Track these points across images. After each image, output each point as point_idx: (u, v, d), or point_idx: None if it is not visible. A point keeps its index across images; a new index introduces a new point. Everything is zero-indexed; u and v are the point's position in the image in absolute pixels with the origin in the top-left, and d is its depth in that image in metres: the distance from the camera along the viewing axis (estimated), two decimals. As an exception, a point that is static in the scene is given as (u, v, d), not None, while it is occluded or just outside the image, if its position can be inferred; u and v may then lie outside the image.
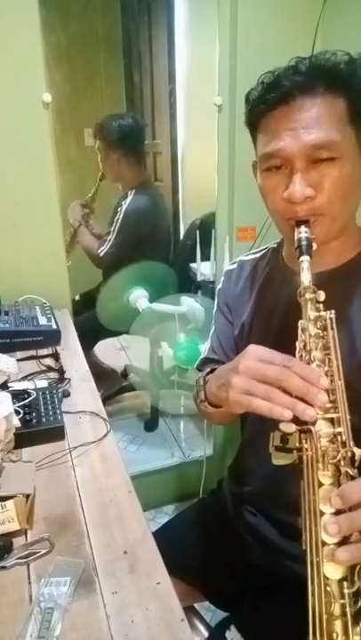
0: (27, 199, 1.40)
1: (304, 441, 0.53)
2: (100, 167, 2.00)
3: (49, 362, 1.19)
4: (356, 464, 0.52)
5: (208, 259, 1.81)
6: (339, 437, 0.53)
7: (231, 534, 0.91)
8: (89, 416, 0.96)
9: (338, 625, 0.47)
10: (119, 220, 1.88)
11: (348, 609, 0.47)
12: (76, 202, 2.04)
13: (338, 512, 0.49)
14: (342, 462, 0.52)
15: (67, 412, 0.95)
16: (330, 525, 0.48)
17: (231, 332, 0.91)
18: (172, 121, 2.56)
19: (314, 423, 0.53)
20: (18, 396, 0.93)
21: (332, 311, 0.61)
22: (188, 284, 1.96)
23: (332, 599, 0.47)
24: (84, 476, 0.80)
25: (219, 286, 0.96)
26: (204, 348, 0.99)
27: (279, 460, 0.54)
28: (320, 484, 0.51)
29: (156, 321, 1.72)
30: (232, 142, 1.45)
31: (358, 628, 0.46)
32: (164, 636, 0.54)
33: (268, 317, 0.82)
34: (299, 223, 0.66)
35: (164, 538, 0.75)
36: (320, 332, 0.60)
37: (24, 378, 1.10)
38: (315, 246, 0.65)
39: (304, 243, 0.64)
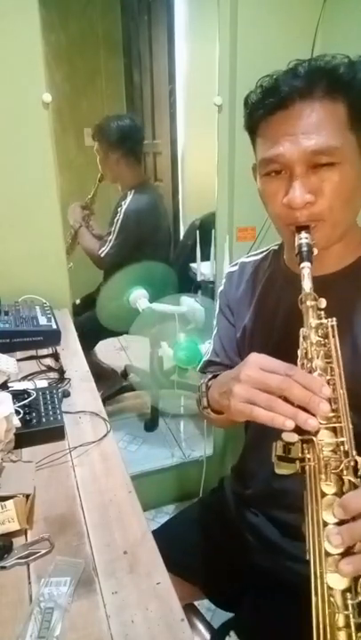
0: (27, 199, 1.40)
1: (306, 451, 0.53)
2: (100, 168, 2.00)
3: (49, 362, 1.19)
4: (360, 473, 0.52)
5: (208, 259, 1.81)
6: (341, 447, 0.53)
7: (232, 534, 0.91)
8: (89, 416, 0.96)
9: (342, 636, 0.46)
10: (119, 221, 1.88)
11: (351, 620, 0.47)
12: (76, 203, 2.03)
13: (341, 522, 0.49)
14: (345, 472, 0.52)
15: (67, 412, 0.95)
16: (333, 537, 0.48)
17: (233, 335, 0.90)
18: (172, 121, 2.56)
19: (316, 433, 0.53)
20: (18, 396, 0.93)
21: (334, 319, 0.60)
22: (188, 284, 1.96)
23: (336, 610, 0.47)
24: (84, 476, 0.80)
25: (220, 288, 0.96)
26: (206, 350, 0.99)
27: (282, 469, 0.53)
28: (323, 495, 0.51)
29: (156, 321, 1.72)
30: (232, 142, 1.45)
31: None
32: (164, 636, 0.54)
33: (270, 321, 0.81)
34: (299, 229, 0.66)
35: (164, 536, 0.75)
36: (321, 339, 0.59)
37: (24, 378, 1.10)
38: (315, 252, 0.64)
39: (305, 249, 0.64)
